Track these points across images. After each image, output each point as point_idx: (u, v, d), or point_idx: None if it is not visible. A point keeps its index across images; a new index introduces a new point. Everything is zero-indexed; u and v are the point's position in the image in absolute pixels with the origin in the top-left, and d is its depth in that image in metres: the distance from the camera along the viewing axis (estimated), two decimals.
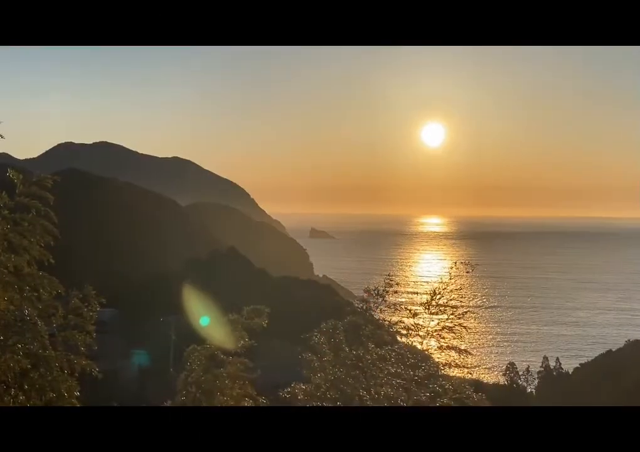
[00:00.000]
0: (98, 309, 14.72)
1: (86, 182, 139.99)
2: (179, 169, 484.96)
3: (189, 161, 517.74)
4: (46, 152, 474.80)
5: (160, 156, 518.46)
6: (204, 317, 16.59)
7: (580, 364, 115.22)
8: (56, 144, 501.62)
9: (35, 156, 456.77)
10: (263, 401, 15.53)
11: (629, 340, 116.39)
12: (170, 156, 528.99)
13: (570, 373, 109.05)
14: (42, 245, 13.69)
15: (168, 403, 14.93)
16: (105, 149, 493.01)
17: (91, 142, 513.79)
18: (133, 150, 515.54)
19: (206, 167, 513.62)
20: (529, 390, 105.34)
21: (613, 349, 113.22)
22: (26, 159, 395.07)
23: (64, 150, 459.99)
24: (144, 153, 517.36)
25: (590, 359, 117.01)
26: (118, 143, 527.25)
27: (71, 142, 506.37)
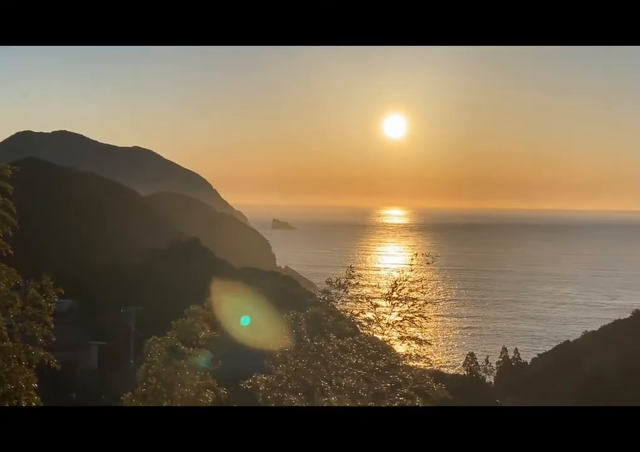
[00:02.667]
0: (56, 300, 14.58)
1: (45, 172, 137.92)
2: (140, 159, 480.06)
3: (150, 151, 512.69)
4: (4, 141, 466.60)
5: (120, 146, 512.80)
6: (245, 317, 16.55)
7: (538, 354, 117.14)
8: (14, 133, 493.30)
9: None
10: (224, 392, 15.54)
11: (585, 331, 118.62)
12: (131, 146, 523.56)
13: (529, 363, 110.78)
14: (1, 235, 13.51)
15: (128, 395, 14.85)
16: (64, 138, 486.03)
17: (50, 131, 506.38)
18: (93, 139, 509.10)
19: (167, 158, 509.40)
20: (488, 380, 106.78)
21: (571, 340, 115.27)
22: None
23: (23, 140, 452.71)
24: (104, 142, 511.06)
25: (547, 350, 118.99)
26: (77, 132, 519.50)
27: (29, 131, 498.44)
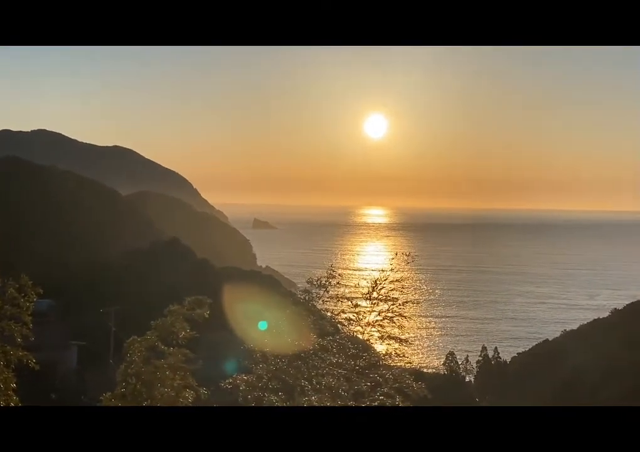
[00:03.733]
0: (35, 299, 14.49)
1: (24, 171, 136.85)
2: (120, 158, 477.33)
3: (130, 150, 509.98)
4: None
5: (100, 145, 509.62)
6: (262, 322, 16.59)
7: (517, 353, 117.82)
8: None
9: None
10: (204, 392, 15.50)
11: (564, 330, 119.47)
12: (111, 145, 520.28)
13: (508, 362, 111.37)
14: None
15: (107, 395, 14.78)
16: (43, 137, 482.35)
17: (29, 130, 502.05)
18: (73, 138, 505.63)
19: (147, 157, 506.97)
20: (467, 379, 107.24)
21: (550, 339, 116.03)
22: None
23: (2, 138, 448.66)
24: (83, 141, 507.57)
25: (526, 349, 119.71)
26: (57, 131, 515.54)
27: (8, 129, 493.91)
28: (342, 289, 17.42)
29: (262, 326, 16.53)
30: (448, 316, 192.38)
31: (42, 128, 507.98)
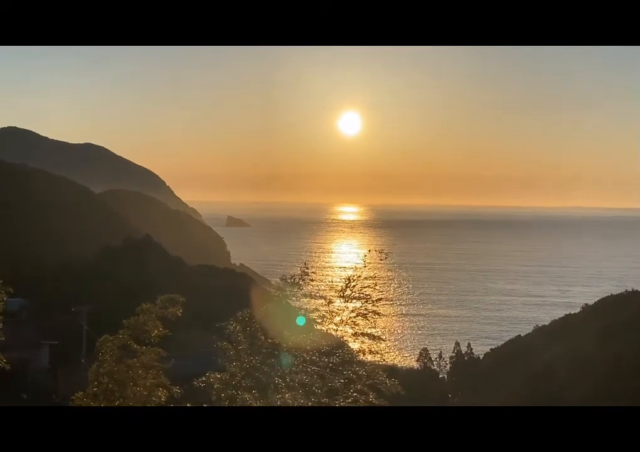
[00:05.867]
0: (5, 298, 14.37)
1: None
2: (92, 156, 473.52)
3: (102, 148, 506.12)
4: None
5: (72, 142, 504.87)
6: (301, 317, 16.51)
7: (490, 349, 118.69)
8: None
9: None
10: (177, 391, 15.45)
11: (537, 326, 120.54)
12: (82, 142, 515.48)
13: (481, 358, 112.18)
14: None
15: (79, 395, 14.69)
16: (13, 134, 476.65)
17: None
18: (44, 136, 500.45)
19: (120, 154, 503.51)
20: (441, 375, 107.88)
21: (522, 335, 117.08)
22: None
23: None
24: (54, 139, 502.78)
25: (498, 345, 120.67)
26: (27, 128, 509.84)
27: None
28: (315, 287, 17.45)
29: (300, 321, 16.48)
30: (420, 315, 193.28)
31: (12, 125, 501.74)
